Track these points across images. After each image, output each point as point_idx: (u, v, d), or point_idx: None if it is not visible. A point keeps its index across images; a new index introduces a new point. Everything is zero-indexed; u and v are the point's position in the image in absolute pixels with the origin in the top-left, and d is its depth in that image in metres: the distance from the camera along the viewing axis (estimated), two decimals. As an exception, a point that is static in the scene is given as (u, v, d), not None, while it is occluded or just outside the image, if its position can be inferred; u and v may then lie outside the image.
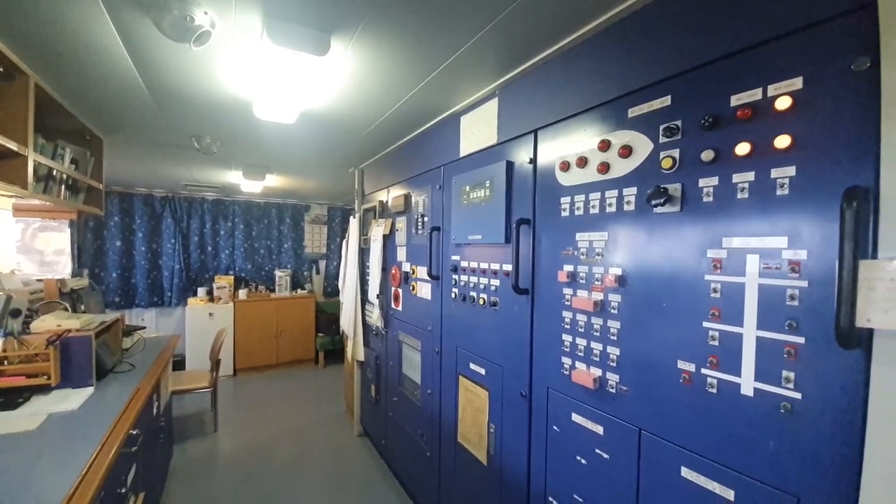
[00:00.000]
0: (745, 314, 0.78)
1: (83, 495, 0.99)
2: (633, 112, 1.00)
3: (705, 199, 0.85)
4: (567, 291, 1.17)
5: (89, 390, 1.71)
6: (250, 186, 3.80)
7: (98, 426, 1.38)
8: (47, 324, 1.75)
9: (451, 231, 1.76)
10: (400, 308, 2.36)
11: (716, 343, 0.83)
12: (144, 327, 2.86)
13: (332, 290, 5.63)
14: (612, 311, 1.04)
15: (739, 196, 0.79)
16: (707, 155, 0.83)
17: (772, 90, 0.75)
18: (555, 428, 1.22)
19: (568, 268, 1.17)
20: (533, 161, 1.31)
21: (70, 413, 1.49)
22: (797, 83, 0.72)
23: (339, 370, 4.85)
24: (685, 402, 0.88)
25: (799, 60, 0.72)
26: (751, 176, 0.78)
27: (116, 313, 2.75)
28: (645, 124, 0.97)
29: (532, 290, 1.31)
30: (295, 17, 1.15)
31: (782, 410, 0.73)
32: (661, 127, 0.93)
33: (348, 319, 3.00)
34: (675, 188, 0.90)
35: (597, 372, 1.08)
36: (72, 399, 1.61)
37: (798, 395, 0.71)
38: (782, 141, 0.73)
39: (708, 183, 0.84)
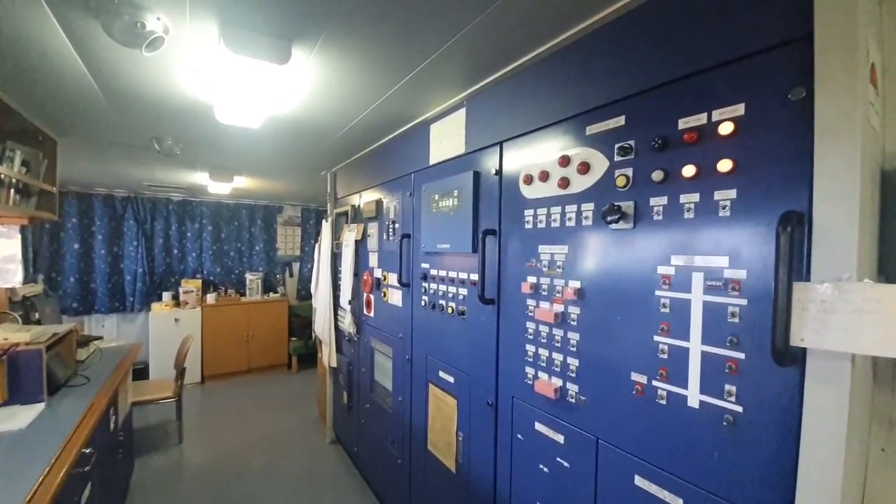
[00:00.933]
0: (691, 329, 0.82)
1: (24, 526, 0.94)
2: (591, 130, 1.03)
3: (655, 218, 0.88)
4: (530, 302, 1.19)
5: (40, 407, 1.62)
6: (218, 188, 3.68)
7: (48, 445, 1.31)
8: (-9, 338, 1.65)
9: (420, 239, 1.75)
10: (372, 314, 2.34)
11: (665, 356, 0.86)
12: (101, 337, 2.73)
13: (305, 294, 5.52)
14: (572, 322, 1.06)
15: (686, 216, 0.83)
16: (657, 175, 0.87)
17: (716, 115, 0.79)
18: (519, 436, 1.24)
19: (531, 279, 1.19)
20: (499, 173, 1.33)
21: (18, 432, 1.41)
22: (739, 109, 0.75)
23: (313, 375, 4.77)
24: (638, 412, 0.91)
25: (741, 87, 0.75)
26: (696, 197, 0.81)
27: (71, 323, 2.61)
28: (602, 142, 1.00)
29: (498, 301, 1.33)
30: (253, 24, 1.12)
31: (725, 423, 0.76)
32: (616, 146, 0.96)
33: (322, 325, 2.96)
34: (628, 206, 0.93)
35: (558, 382, 1.10)
36: (20, 417, 1.52)
37: (739, 409, 0.75)
38: (724, 165, 0.76)
39: (658, 202, 0.88)
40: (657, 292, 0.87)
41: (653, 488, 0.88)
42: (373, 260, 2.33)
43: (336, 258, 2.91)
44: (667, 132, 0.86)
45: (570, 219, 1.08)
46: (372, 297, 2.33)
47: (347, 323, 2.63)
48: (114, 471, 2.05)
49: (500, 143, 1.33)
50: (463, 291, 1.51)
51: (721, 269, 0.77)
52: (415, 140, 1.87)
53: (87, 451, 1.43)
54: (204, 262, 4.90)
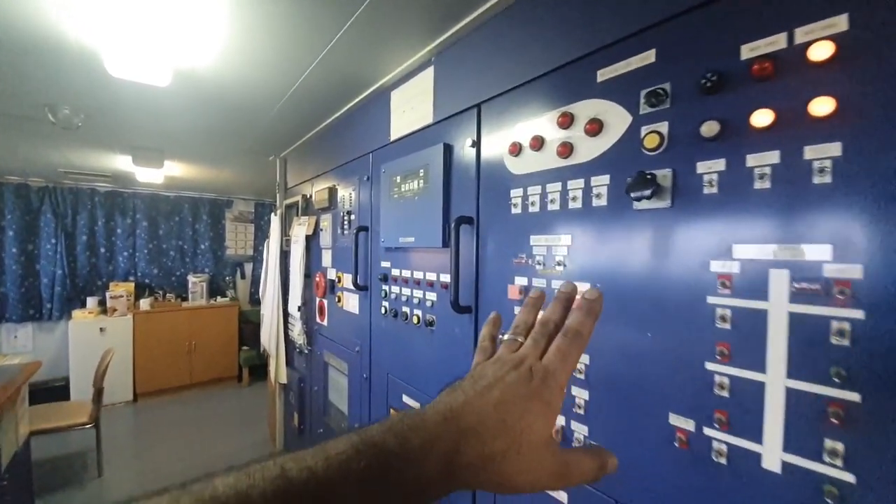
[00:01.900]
0: (768, 354, 0.55)
1: None
2: (604, 75, 0.75)
3: (707, 191, 0.61)
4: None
5: None
6: (148, 175, 3.18)
7: None
8: None
9: (380, 232, 1.43)
10: (325, 323, 1.98)
11: (725, 393, 0.59)
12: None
13: (259, 297, 5.02)
14: (579, 340, 0.78)
15: (758, 185, 0.56)
16: (709, 128, 0.59)
17: (801, 35, 0.52)
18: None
19: (521, 280, 0.90)
20: (476, 144, 1.03)
21: None
22: (841, 23, 0.49)
23: (266, 387, 4.31)
24: (681, 472, 0.64)
25: (849, -14, 0.49)
26: (775, 157, 0.54)
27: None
28: (620, 90, 0.72)
29: (476, 309, 1.03)
30: None
31: (826, 497, 0.50)
32: (643, 93, 0.68)
33: (269, 335, 2.56)
34: (663, 175, 0.65)
35: (558, 420, 0.82)
36: None
37: (850, 478, 0.48)
38: (821, 106, 0.50)
39: (711, 167, 0.61)
40: (711, 299, 0.60)
41: (704, 583, 0.61)
42: (326, 258, 1.98)
43: (286, 256, 2.52)
44: (723, 66, 0.59)
45: (574, 198, 0.79)
46: (325, 302, 1.98)
47: (297, 332, 2.26)
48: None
49: (478, 106, 1.03)
50: (431, 296, 1.20)
51: (819, 263, 0.51)
52: (373, 112, 1.54)
53: None
54: (138, 263, 4.32)
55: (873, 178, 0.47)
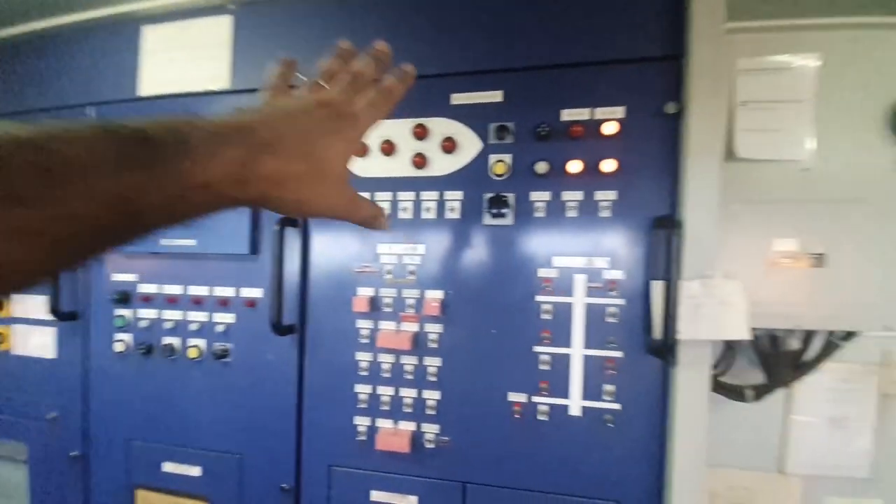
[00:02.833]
0: (573, 334, 0.77)
1: None
2: (458, 100, 0.82)
3: (537, 214, 0.78)
4: (365, 325, 0.85)
5: None
6: None
7: None
8: None
9: (115, 227, 0.96)
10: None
11: (547, 367, 0.78)
12: None
13: None
14: (432, 345, 0.82)
15: (569, 214, 0.77)
16: (542, 167, 0.77)
17: (598, 113, 0.77)
18: (345, 518, 0.86)
19: (365, 292, 0.85)
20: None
21: None
22: (620, 112, 0.76)
23: None
24: (517, 437, 0.79)
25: (622, 91, 0.76)
26: (580, 195, 0.77)
27: None
28: (473, 117, 0.81)
29: (302, 328, 0.88)
30: None
31: (607, 422, 0.76)
32: (492, 126, 0.80)
33: None
34: (507, 198, 0.79)
35: (409, 426, 0.83)
36: None
37: (618, 406, 0.76)
38: (609, 165, 0.75)
39: (541, 197, 0.78)
40: (538, 297, 0.78)
41: (534, 517, 0.79)
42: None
43: None
44: (551, 121, 0.77)
45: (428, 209, 0.82)
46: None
47: None
48: None
49: (305, 88, 0.88)
50: (224, 318, 0.92)
51: (601, 270, 0.76)
52: (101, 43, 1.00)
53: None
54: None
55: (631, 217, 0.76)
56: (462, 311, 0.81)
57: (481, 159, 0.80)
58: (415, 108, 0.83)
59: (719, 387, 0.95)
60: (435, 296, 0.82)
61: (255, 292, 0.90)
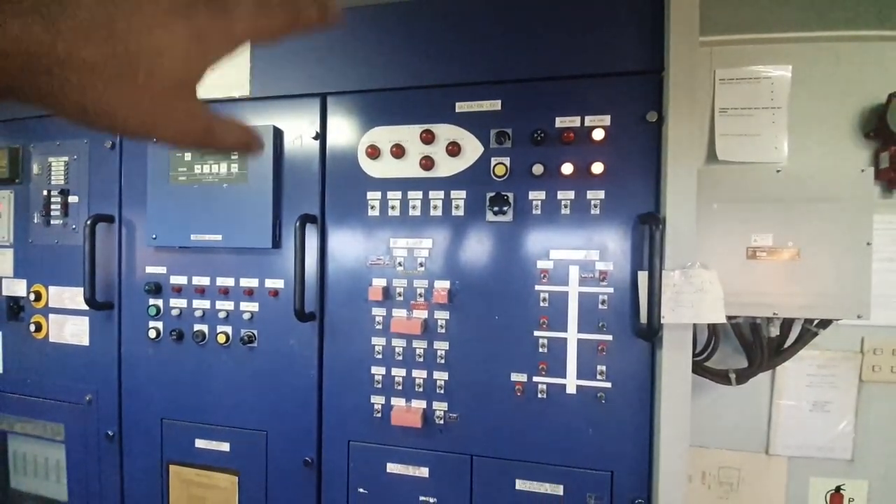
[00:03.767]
0: (568, 320, 0.85)
1: None
2: (462, 108, 0.90)
3: (535, 212, 0.87)
4: (379, 312, 0.93)
5: None
6: None
7: None
8: None
9: (149, 225, 1.05)
10: (-7, 367, 1.22)
11: (545, 350, 0.86)
12: None
13: None
14: (440, 331, 0.90)
15: (563, 212, 0.86)
16: (537, 169, 0.85)
17: (588, 121, 0.85)
18: (361, 490, 0.94)
19: (379, 282, 0.93)
20: (320, 136, 0.97)
21: None
22: (607, 120, 0.85)
23: None
24: (519, 413, 0.87)
25: (608, 101, 0.84)
26: (571, 195, 0.86)
27: None
28: (475, 124, 0.90)
29: (321, 315, 0.96)
30: None
31: (600, 399, 0.84)
32: (493, 132, 0.88)
33: None
34: (509, 198, 0.87)
35: (420, 404, 0.91)
36: None
37: (609, 385, 0.84)
38: (597, 167, 0.84)
39: (537, 196, 0.87)
40: (537, 287, 0.87)
41: (534, 486, 0.86)
42: (2, 264, 1.22)
43: None
44: (545, 127, 0.86)
45: (435, 207, 0.91)
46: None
47: None
48: None
49: (323, 97, 0.97)
50: (249, 307, 1.01)
51: (593, 262, 0.85)
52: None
53: None
54: None
55: (617, 214, 0.84)
56: (467, 300, 0.89)
57: (483, 162, 0.89)
58: (422, 115, 0.92)
59: (705, 371, 1.03)
60: (443, 286, 0.90)
61: (277, 283, 0.99)
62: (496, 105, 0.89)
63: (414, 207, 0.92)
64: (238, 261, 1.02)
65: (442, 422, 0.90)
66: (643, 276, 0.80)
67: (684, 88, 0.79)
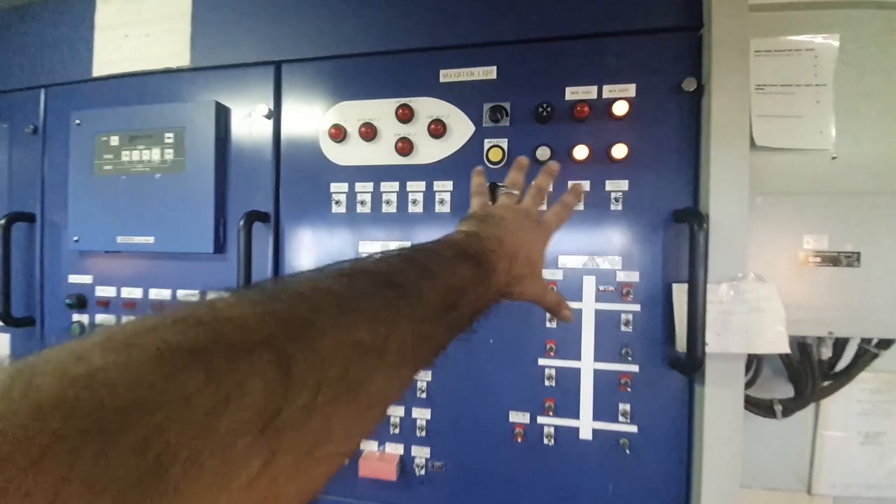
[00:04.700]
0: (582, 344, 0.67)
1: None
2: (448, 76, 0.72)
3: (539, 207, 0.69)
4: (344, 333, 0.75)
5: None
6: None
7: None
8: None
9: (69, 225, 0.86)
10: None
11: (553, 383, 0.68)
12: None
13: None
14: (421, 356, 0.72)
15: (575, 206, 0.68)
16: (543, 153, 0.67)
17: (607, 91, 0.67)
18: (323, 554, 0.76)
19: (345, 295, 0.75)
20: (273, 115, 0.78)
21: None
22: (631, 90, 0.66)
23: None
24: (519, 463, 0.69)
25: (633, 65, 0.66)
26: (586, 185, 0.67)
27: None
28: (463, 98, 0.71)
29: (274, 334, 0.78)
30: None
31: (623, 447, 0.66)
32: (486, 106, 0.70)
33: None
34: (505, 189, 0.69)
35: (396, 450, 0.72)
36: None
37: (634, 429, 0.66)
38: (619, 150, 0.65)
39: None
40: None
41: (538, 556, 0.68)
42: None
43: None
44: (553, 100, 0.68)
45: (415, 201, 0.73)
46: None
47: None
48: None
49: (277, 65, 0.79)
50: (188, 323, 0.82)
51: (614, 271, 0.67)
52: (53, 20, 0.91)
53: None
54: None
55: (645, 210, 0.66)
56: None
57: (474, 144, 0.71)
58: (399, 85, 0.73)
59: (747, 401, 0.85)
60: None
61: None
62: (490, 73, 0.71)
63: (388, 202, 0.73)
64: (175, 268, 0.83)
65: (423, 471, 0.71)
66: (680, 291, 0.62)
67: (732, 47, 0.61)
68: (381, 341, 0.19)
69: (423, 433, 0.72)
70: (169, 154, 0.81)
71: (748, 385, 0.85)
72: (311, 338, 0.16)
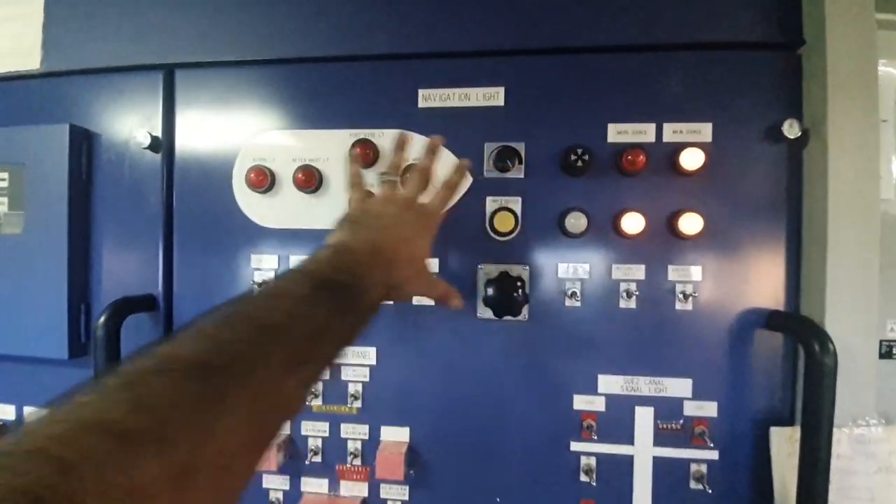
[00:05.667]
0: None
1: None
2: (429, 99, 0.48)
3: (569, 303, 0.46)
4: (277, 484, 0.49)
5: None
6: None
7: None
8: None
9: None
10: None
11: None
12: None
13: None
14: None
15: (622, 303, 0.45)
16: (576, 221, 0.44)
17: (670, 132, 0.45)
18: None
19: (274, 428, 0.49)
20: (163, 145, 0.51)
21: None
22: (705, 132, 0.45)
23: None
24: None
25: (710, 97, 0.45)
26: (641, 272, 0.45)
27: None
28: (454, 133, 0.47)
29: (165, 484, 0.51)
30: None
31: None
32: (491, 148, 0.47)
33: None
34: (520, 272, 0.46)
35: None
36: None
37: None
38: (690, 221, 0.43)
39: (575, 272, 0.46)
40: (574, 446, 0.46)
41: None
42: None
43: None
44: (589, 142, 0.45)
45: (380, 289, 0.48)
46: None
47: None
48: None
49: (169, 69, 0.52)
50: None
51: (679, 401, 0.45)
52: None
53: None
54: None
55: (728, 313, 0.44)
56: (442, 463, 0.47)
57: (471, 204, 0.47)
58: (357, 110, 0.48)
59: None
60: (395, 436, 0.47)
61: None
62: (496, 96, 0.47)
63: (340, 288, 0.48)
64: (19, 377, 0.54)
65: None
66: (780, 437, 0.42)
67: (856, 79, 0.41)
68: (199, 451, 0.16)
69: None
70: (1, 205, 0.53)
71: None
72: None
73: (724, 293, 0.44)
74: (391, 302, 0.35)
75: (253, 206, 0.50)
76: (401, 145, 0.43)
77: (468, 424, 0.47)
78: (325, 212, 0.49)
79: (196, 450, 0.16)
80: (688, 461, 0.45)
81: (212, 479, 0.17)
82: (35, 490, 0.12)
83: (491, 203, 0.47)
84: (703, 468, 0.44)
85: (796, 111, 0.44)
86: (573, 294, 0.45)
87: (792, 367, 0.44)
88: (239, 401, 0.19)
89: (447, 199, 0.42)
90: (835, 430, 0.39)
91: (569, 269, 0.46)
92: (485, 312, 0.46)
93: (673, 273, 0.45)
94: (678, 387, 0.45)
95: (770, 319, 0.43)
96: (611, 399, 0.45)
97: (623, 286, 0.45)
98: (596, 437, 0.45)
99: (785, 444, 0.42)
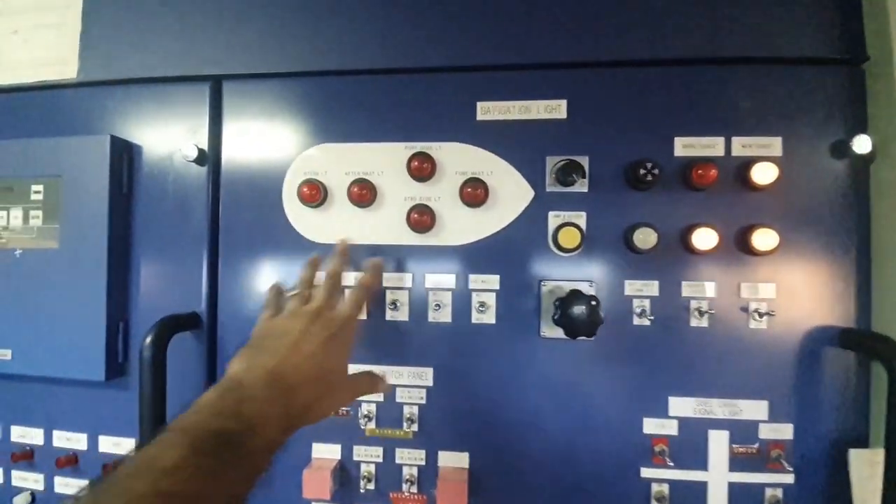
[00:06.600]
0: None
1: None
2: (489, 112, 0.47)
3: (638, 322, 0.44)
4: (324, 516, 0.47)
5: None
6: None
7: None
8: None
9: None
10: None
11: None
12: None
13: None
14: None
15: (695, 323, 0.44)
16: (645, 238, 0.43)
17: (738, 146, 0.44)
18: None
19: (326, 453, 0.47)
20: (209, 159, 0.49)
21: None
22: (775, 146, 0.44)
23: None
24: None
25: (776, 111, 0.44)
26: (711, 289, 0.44)
27: None
28: (515, 146, 0.46)
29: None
30: None
31: None
32: (554, 162, 0.45)
33: None
34: (585, 293, 0.44)
35: None
36: None
37: None
38: (765, 237, 0.42)
39: (645, 289, 0.44)
40: (645, 472, 0.44)
41: None
42: None
43: None
44: (656, 156, 0.44)
45: (438, 306, 0.46)
46: None
47: None
48: None
49: (216, 80, 0.50)
50: (71, 485, 0.51)
51: (755, 423, 0.43)
52: None
53: None
54: None
55: (802, 332, 0.43)
56: (502, 491, 0.45)
57: (533, 218, 0.46)
58: (413, 123, 0.47)
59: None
60: (453, 461, 0.45)
61: (123, 443, 0.50)
62: (558, 109, 0.46)
63: (395, 305, 0.46)
64: (50, 399, 0.52)
65: None
66: (859, 459, 0.40)
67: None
68: None
69: None
70: (35, 218, 0.50)
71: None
72: None
73: (796, 311, 0.43)
74: (299, 429, 0.32)
75: (303, 219, 0.48)
76: (312, 263, 0.43)
77: (531, 449, 0.45)
78: (378, 226, 0.47)
79: None
80: (763, 486, 0.43)
81: None
82: None
83: (553, 218, 0.45)
84: (779, 493, 0.42)
85: (861, 126, 0.43)
86: (642, 312, 0.44)
87: (865, 386, 0.43)
88: None
89: (361, 302, 0.40)
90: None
91: (636, 287, 0.44)
92: (549, 331, 0.44)
93: (746, 290, 0.43)
94: (753, 409, 0.43)
95: (843, 337, 0.42)
96: (683, 422, 0.44)
97: (694, 304, 0.44)
98: (671, 463, 0.43)
99: (865, 467, 0.40)
